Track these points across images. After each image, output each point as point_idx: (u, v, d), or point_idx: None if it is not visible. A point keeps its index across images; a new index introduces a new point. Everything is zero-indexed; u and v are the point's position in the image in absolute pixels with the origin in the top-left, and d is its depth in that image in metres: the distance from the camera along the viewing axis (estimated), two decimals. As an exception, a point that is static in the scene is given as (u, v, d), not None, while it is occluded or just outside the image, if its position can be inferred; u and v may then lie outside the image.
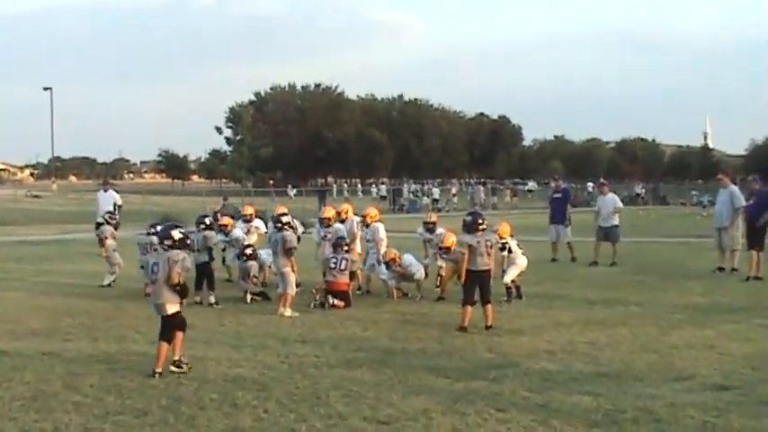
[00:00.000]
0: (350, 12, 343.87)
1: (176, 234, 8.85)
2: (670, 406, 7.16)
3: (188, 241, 9.23)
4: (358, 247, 14.70)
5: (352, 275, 13.79)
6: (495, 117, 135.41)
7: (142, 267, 12.73)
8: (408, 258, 14.11)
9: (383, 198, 68.29)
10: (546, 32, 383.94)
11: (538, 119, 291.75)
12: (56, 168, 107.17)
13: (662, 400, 7.38)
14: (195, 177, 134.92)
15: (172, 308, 8.59)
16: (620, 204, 20.90)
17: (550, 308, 12.74)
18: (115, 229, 16.48)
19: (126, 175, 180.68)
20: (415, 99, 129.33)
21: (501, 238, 13.35)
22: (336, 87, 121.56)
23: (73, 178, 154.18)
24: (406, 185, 73.25)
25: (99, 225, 17.11)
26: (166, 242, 8.83)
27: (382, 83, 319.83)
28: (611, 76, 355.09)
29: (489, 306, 11.05)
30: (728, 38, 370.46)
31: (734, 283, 15.67)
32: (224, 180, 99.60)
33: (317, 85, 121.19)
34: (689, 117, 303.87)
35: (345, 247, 13.65)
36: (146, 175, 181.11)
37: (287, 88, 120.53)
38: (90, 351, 9.71)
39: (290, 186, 73.32)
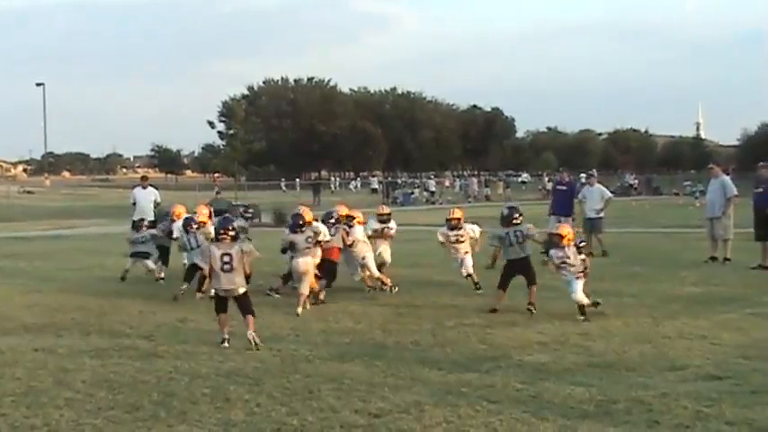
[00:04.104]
0: (339, 4, 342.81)
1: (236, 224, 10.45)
2: (663, 396, 7.16)
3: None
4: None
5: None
6: (489, 109, 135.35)
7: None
8: (358, 231, 13.52)
9: (374, 191, 68.41)
10: (538, 23, 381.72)
11: (531, 111, 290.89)
12: (49, 164, 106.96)
13: (655, 390, 7.37)
14: (188, 172, 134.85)
15: (242, 289, 9.72)
16: (609, 194, 20.80)
17: (543, 299, 12.70)
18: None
19: (120, 170, 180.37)
20: (408, 92, 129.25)
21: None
22: (329, 81, 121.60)
23: (66, 174, 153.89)
24: (400, 179, 73.32)
25: (139, 222, 16.92)
26: (230, 233, 9.80)
27: (375, 76, 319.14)
28: (603, 68, 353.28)
29: (534, 288, 11.79)
30: (721, 28, 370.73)
31: (727, 272, 15.68)
32: (217, 174, 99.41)
33: (310, 79, 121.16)
34: (681, 108, 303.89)
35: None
36: (139, 170, 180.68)
37: (280, 82, 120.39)
38: (82, 347, 9.68)
39: (282, 180, 73.52)
